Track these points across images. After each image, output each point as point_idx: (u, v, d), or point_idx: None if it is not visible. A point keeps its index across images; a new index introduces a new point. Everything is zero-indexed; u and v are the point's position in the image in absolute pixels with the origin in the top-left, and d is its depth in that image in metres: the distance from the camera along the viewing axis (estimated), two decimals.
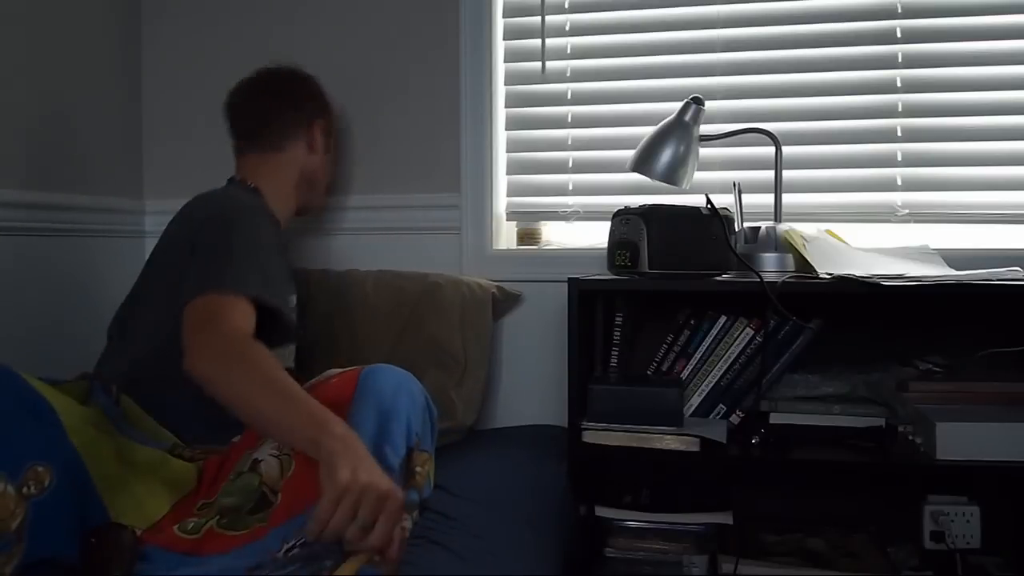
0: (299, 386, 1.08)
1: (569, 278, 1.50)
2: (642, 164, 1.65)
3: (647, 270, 1.45)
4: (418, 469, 1.16)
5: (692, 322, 1.59)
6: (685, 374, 1.58)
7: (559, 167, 1.89)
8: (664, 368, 1.60)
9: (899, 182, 1.73)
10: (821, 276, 1.43)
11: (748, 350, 1.54)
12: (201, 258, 1.29)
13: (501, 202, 1.92)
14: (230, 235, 1.31)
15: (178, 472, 1.16)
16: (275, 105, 1.62)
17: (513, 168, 1.92)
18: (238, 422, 1.24)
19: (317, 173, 1.67)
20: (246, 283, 1.24)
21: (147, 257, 2.01)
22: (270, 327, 1.28)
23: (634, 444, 1.47)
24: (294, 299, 1.49)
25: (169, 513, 1.11)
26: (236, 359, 1.11)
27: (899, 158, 1.73)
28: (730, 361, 1.56)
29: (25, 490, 0.96)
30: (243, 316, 1.20)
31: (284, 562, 0.99)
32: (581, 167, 1.88)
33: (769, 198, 1.66)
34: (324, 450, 0.98)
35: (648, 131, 1.67)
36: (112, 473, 1.06)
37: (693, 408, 1.57)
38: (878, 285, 1.35)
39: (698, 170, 1.68)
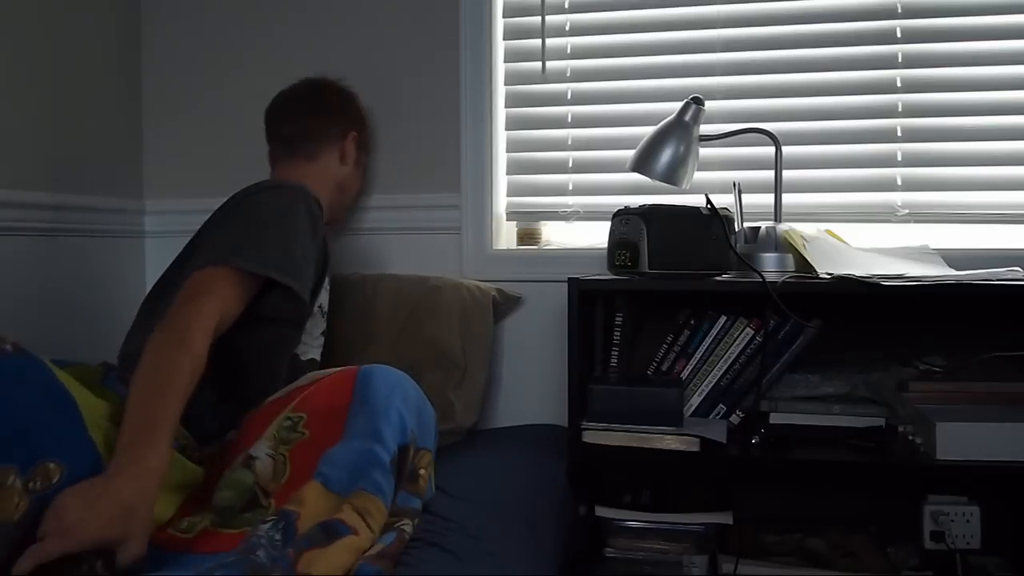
0: (180, 392, 1.07)
1: (569, 278, 1.50)
2: (642, 164, 1.65)
3: (647, 270, 1.45)
4: (422, 471, 1.16)
5: (692, 322, 1.59)
6: (685, 374, 1.58)
7: (559, 167, 1.89)
8: (664, 368, 1.60)
9: (899, 182, 1.73)
10: (821, 276, 1.43)
11: (748, 350, 1.54)
12: (225, 229, 1.33)
13: (501, 202, 1.92)
14: (261, 208, 1.35)
15: (189, 475, 1.16)
16: (312, 115, 1.66)
17: (513, 168, 1.92)
18: (235, 417, 1.25)
19: (347, 184, 1.72)
20: (258, 258, 1.26)
21: (147, 257, 2.04)
22: (288, 302, 1.32)
23: (634, 444, 1.47)
24: (323, 296, 1.50)
25: (176, 513, 1.10)
26: (170, 344, 1.12)
27: (899, 158, 1.73)
28: (730, 361, 1.55)
29: (31, 485, 0.96)
30: (230, 294, 1.23)
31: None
32: (581, 167, 1.88)
33: (769, 198, 1.66)
34: (117, 462, 0.98)
35: (648, 131, 1.67)
36: None
37: (693, 408, 1.57)
38: (878, 285, 1.35)
39: (698, 170, 1.68)
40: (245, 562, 0.93)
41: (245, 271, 1.26)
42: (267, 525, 0.99)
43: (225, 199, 1.80)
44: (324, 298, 1.50)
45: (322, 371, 1.26)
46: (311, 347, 1.49)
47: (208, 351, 1.16)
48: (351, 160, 1.70)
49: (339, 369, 1.22)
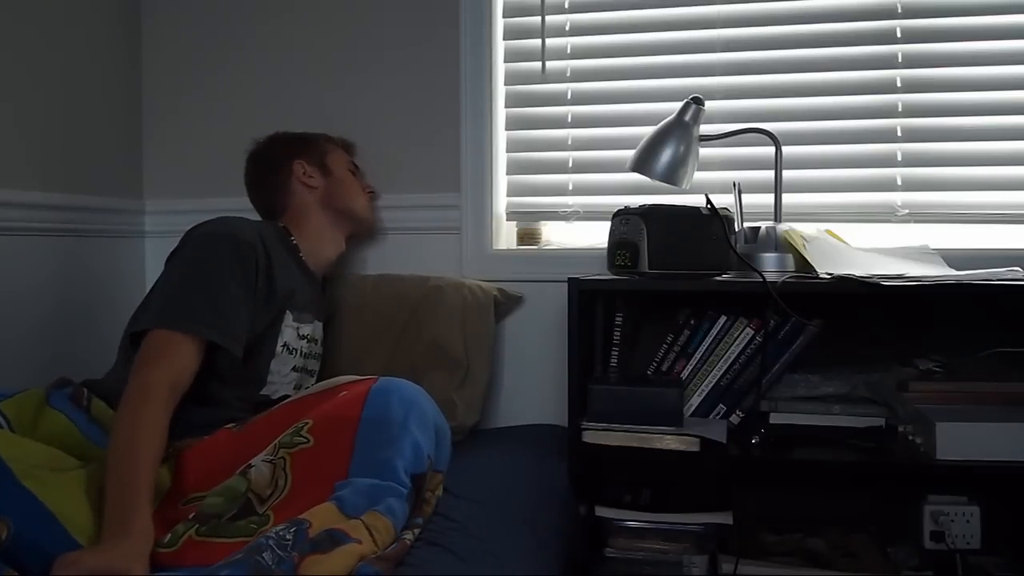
0: (148, 463, 1.13)
1: (569, 278, 1.50)
2: (642, 164, 1.65)
3: (647, 270, 1.45)
4: (428, 495, 1.16)
5: (692, 322, 1.59)
6: (685, 374, 1.58)
7: (559, 167, 1.89)
8: (664, 368, 1.60)
9: (899, 182, 1.73)
10: (821, 276, 1.43)
11: (748, 350, 1.54)
12: (164, 286, 1.36)
13: (501, 202, 1.92)
14: (189, 263, 1.36)
15: None
16: (260, 183, 1.70)
17: (513, 168, 1.92)
18: (216, 421, 1.25)
19: (335, 198, 1.69)
20: (194, 320, 1.29)
21: (147, 257, 2.04)
22: (225, 352, 1.33)
23: (634, 444, 1.47)
24: (289, 333, 1.48)
25: (154, 515, 1.10)
26: (131, 408, 1.18)
27: (899, 158, 1.73)
28: (730, 361, 1.55)
29: None
30: (176, 356, 1.26)
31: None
32: (581, 167, 1.88)
33: (769, 198, 1.66)
34: (109, 532, 1.04)
35: (648, 131, 1.67)
36: (76, 505, 1.06)
37: (693, 408, 1.57)
38: (878, 285, 1.35)
39: (698, 170, 1.68)
40: (250, 562, 0.93)
41: (189, 333, 1.28)
42: (280, 527, 0.99)
43: (223, 200, 1.82)
44: (290, 335, 1.48)
45: (340, 378, 1.26)
46: (281, 385, 1.47)
47: (170, 408, 1.21)
48: (317, 179, 1.68)
49: (356, 379, 1.21)
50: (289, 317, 1.47)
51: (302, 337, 1.51)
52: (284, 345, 1.47)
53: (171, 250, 1.43)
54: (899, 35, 1.72)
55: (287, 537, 0.97)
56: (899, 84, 1.72)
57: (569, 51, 1.87)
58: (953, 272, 1.51)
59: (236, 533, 1.05)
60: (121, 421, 1.17)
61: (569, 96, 1.87)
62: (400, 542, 1.06)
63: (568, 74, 1.87)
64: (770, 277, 1.43)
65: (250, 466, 1.11)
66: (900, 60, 1.72)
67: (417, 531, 1.12)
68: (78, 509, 1.06)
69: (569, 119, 1.88)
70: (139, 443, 1.13)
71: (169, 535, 1.06)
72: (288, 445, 1.12)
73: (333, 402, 1.16)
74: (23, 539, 0.99)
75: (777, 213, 1.65)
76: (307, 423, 1.14)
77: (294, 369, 1.50)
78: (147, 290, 1.47)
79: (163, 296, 1.34)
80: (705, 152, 1.72)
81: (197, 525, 1.06)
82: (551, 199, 1.89)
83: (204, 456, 1.21)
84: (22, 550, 0.99)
